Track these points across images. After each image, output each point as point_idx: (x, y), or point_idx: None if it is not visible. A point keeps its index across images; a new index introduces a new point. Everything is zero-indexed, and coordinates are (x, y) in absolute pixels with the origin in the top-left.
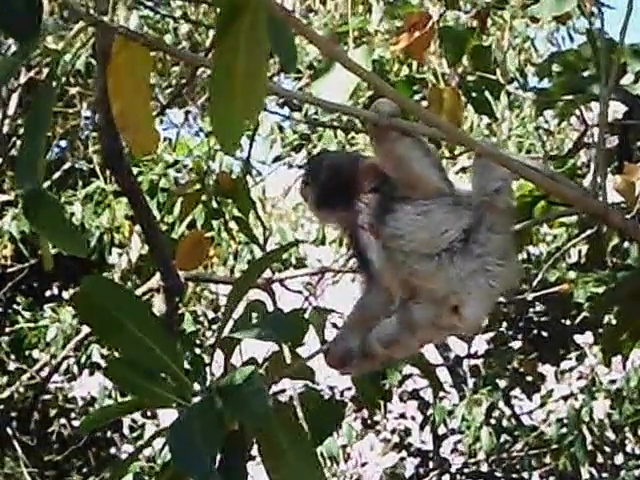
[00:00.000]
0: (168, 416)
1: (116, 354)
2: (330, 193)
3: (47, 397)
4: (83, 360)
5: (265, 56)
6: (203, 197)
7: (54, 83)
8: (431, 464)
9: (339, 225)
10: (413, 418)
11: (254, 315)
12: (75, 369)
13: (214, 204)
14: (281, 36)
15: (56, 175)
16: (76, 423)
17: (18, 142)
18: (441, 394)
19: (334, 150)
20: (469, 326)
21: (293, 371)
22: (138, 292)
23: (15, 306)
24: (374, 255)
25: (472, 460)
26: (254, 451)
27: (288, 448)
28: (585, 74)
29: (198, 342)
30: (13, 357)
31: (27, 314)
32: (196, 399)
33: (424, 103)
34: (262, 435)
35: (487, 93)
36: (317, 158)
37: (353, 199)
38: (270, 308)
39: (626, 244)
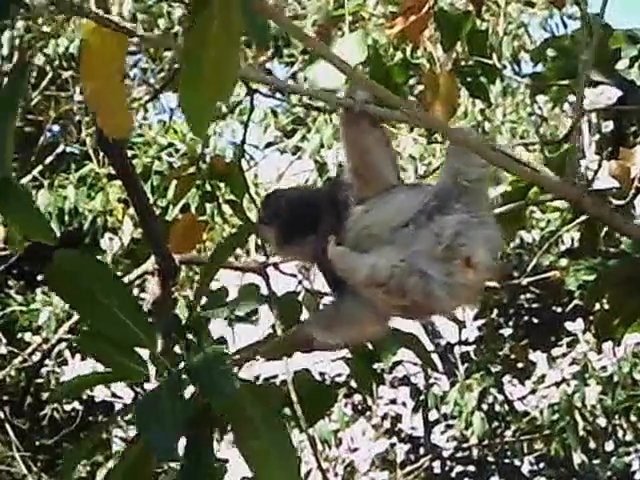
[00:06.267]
0: None
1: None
2: (293, 229)
3: (39, 381)
4: (75, 344)
5: (236, 43)
6: (197, 180)
7: (26, 72)
8: (422, 450)
9: (303, 259)
10: (404, 404)
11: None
12: (67, 353)
13: (208, 187)
14: (254, 17)
15: (49, 159)
16: (68, 407)
17: None
18: (432, 380)
19: (287, 187)
20: (484, 274)
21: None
22: (133, 275)
23: (7, 289)
24: (347, 264)
25: (464, 445)
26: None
27: (258, 424)
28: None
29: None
30: (5, 341)
31: (19, 297)
32: (167, 374)
33: (420, 87)
34: (230, 412)
35: (482, 78)
36: (274, 197)
37: (315, 228)
38: (264, 291)
39: None
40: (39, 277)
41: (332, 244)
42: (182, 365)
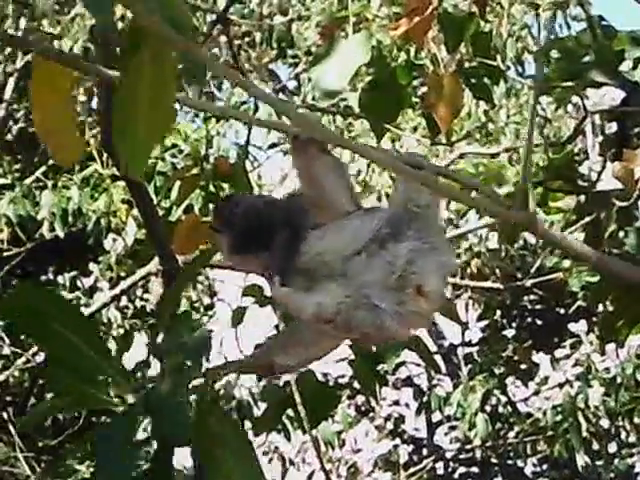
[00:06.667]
0: None
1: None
2: (246, 239)
3: (43, 382)
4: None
5: (170, 87)
6: (201, 181)
7: None
8: (425, 451)
9: (256, 269)
10: (407, 405)
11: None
12: None
13: (211, 188)
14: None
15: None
16: None
17: (14, 127)
18: (435, 382)
19: (242, 194)
20: (435, 302)
21: None
22: (136, 276)
23: (10, 290)
24: (292, 304)
25: (467, 447)
26: None
27: (222, 451)
28: (584, 60)
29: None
30: (8, 341)
31: None
32: (131, 399)
33: (424, 89)
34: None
35: (486, 79)
36: (228, 204)
37: (269, 241)
38: (267, 292)
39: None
40: (43, 278)
41: (276, 285)
42: (139, 397)
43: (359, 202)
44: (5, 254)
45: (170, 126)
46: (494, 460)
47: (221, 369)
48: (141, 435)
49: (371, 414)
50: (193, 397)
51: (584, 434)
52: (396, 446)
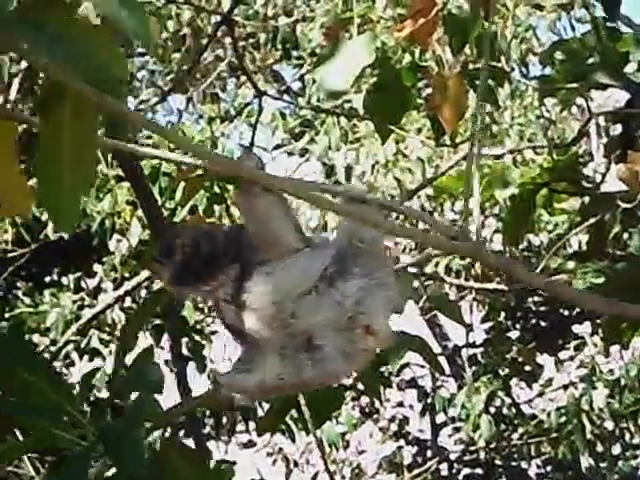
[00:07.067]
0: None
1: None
2: (188, 271)
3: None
4: (82, 346)
5: (92, 135)
6: (205, 182)
7: None
8: (429, 452)
9: (203, 298)
10: (411, 407)
11: None
12: (74, 355)
13: (216, 189)
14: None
15: None
16: None
17: (19, 127)
18: (439, 383)
19: (185, 225)
20: (383, 340)
21: None
22: (141, 277)
23: (15, 291)
24: (247, 325)
25: (471, 448)
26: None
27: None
28: (588, 62)
29: (199, 328)
30: None
31: (27, 299)
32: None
33: (428, 90)
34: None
35: (490, 81)
36: (169, 236)
37: (212, 273)
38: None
39: (626, 234)
40: (47, 279)
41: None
42: (96, 434)
43: (306, 239)
44: (9, 255)
45: (94, 180)
46: (498, 462)
47: (182, 405)
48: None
49: (375, 415)
50: (157, 433)
51: (588, 436)
52: (400, 447)
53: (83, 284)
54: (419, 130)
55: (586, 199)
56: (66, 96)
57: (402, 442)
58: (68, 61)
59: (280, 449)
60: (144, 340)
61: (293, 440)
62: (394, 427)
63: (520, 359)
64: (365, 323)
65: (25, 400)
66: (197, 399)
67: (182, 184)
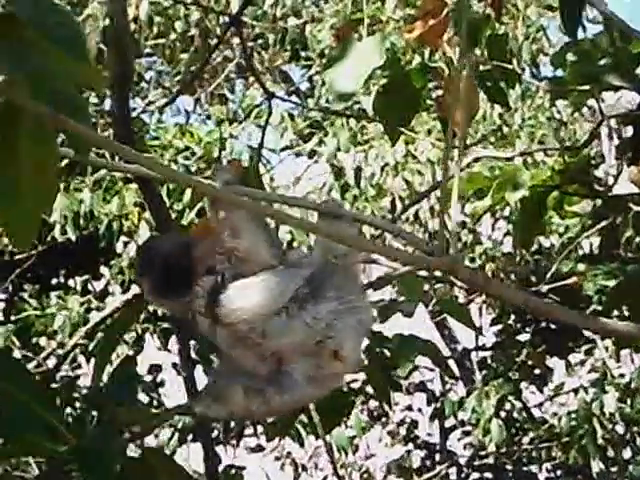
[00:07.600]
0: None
1: None
2: (166, 282)
3: (54, 386)
4: (90, 349)
5: (52, 153)
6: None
7: None
8: (438, 457)
9: (182, 312)
10: (420, 410)
11: None
12: (81, 358)
13: None
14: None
15: (65, 162)
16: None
17: None
18: (448, 387)
19: (165, 236)
20: (351, 366)
21: None
22: None
23: (22, 294)
24: (219, 339)
25: (481, 452)
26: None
27: None
28: (600, 63)
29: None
30: (19, 345)
31: (34, 302)
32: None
33: (439, 91)
34: None
35: (501, 82)
36: (148, 247)
37: (190, 284)
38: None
39: (638, 237)
40: (54, 281)
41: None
42: (71, 446)
43: (281, 255)
44: (16, 257)
45: (55, 196)
46: (508, 466)
47: (157, 418)
48: None
49: (384, 419)
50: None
51: (599, 440)
52: (409, 452)
53: (90, 287)
54: (429, 132)
55: (598, 202)
56: (23, 116)
57: (411, 446)
58: (28, 80)
59: (288, 453)
60: (152, 343)
61: (302, 444)
62: (403, 431)
63: (530, 362)
64: (333, 348)
65: (5, 409)
66: (174, 410)
67: None
